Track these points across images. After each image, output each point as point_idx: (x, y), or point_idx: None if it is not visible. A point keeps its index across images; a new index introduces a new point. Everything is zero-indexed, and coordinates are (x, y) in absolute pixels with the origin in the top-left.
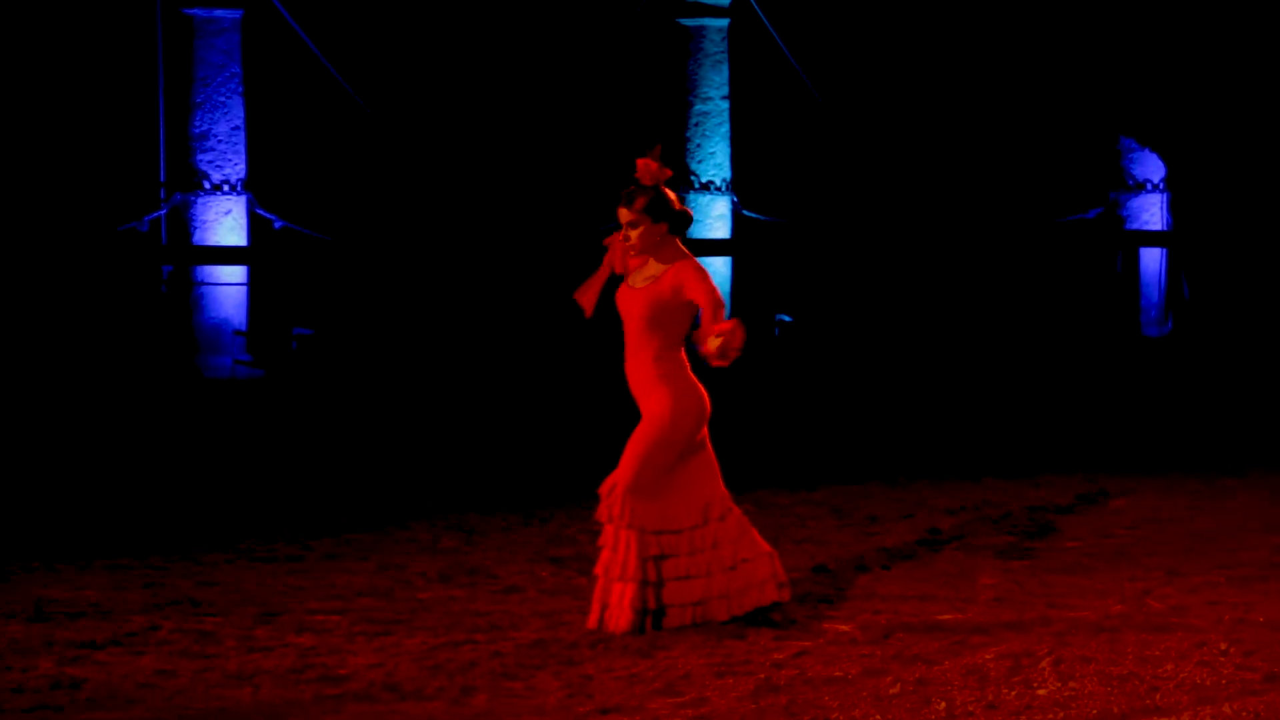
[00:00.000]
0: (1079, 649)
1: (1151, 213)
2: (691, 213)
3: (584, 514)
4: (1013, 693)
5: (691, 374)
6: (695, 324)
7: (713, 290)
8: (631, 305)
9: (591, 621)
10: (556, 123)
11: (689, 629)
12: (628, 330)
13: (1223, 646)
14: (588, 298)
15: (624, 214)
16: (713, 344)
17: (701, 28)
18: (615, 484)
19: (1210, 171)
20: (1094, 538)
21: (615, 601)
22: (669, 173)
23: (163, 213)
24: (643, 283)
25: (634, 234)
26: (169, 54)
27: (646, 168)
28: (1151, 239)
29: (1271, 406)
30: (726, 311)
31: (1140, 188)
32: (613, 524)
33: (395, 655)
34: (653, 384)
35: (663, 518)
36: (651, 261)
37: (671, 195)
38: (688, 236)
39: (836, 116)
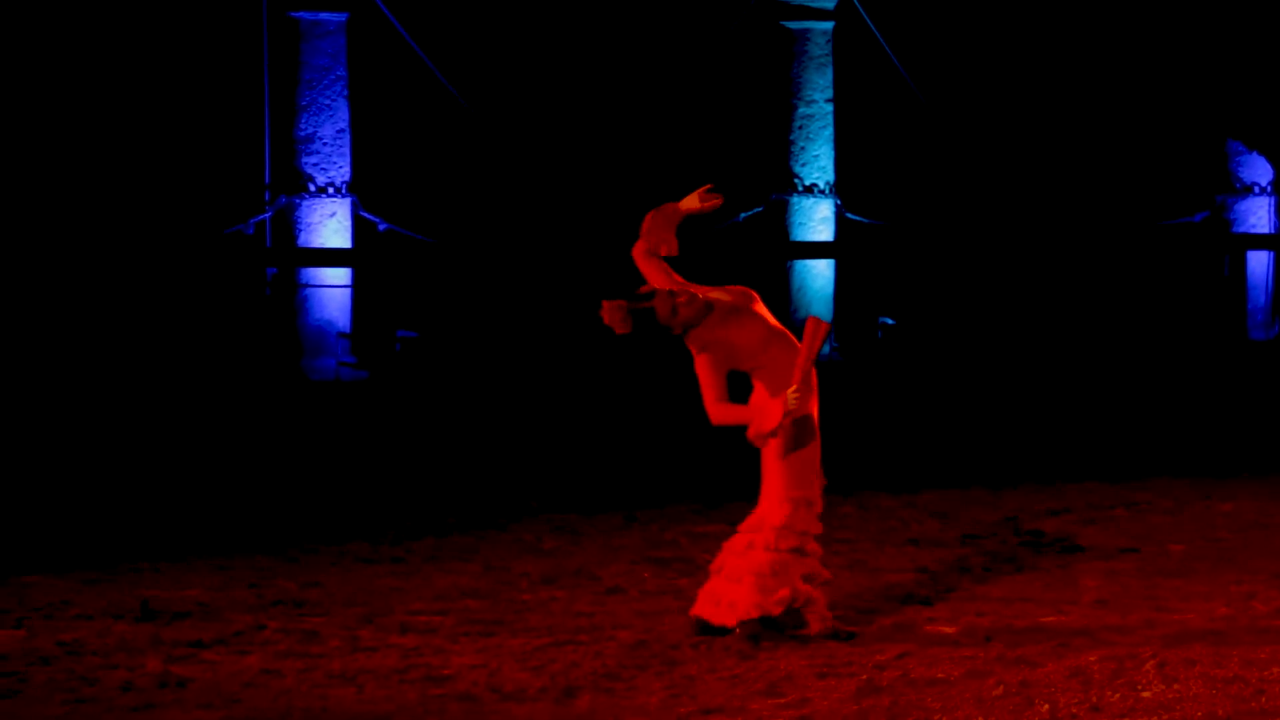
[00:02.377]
0: (1183, 652)
1: (1259, 215)
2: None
3: (685, 516)
4: (1116, 695)
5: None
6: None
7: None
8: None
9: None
10: (660, 125)
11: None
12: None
13: None
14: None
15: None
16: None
17: (806, 31)
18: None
19: None
20: (1199, 540)
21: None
22: (621, 307)
23: (268, 215)
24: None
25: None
26: (274, 57)
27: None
28: (1259, 242)
29: None
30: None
31: (1247, 191)
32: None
33: (498, 656)
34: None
35: None
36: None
37: (649, 302)
38: (791, 240)
39: (940, 119)
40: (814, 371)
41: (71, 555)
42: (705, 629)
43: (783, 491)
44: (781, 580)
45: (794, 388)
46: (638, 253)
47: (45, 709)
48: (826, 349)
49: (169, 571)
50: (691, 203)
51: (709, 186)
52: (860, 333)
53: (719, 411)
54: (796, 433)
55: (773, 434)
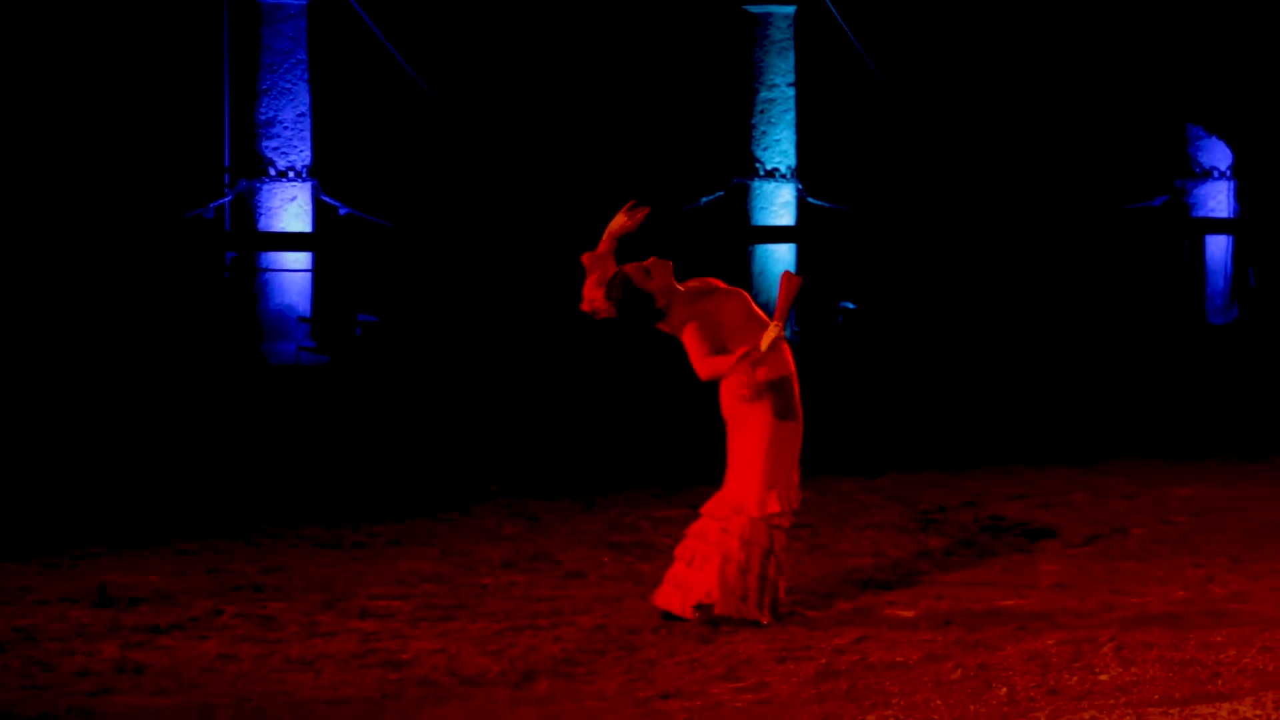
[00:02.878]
0: (1141, 635)
1: (1218, 200)
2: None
3: (645, 501)
4: (1074, 678)
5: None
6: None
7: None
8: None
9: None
10: (622, 109)
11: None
12: None
13: None
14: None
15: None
16: None
17: (768, 14)
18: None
19: (1277, 159)
20: (1157, 524)
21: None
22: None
23: (228, 199)
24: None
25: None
26: (235, 40)
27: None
28: (1217, 226)
29: None
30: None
31: (1207, 175)
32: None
33: (457, 640)
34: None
35: None
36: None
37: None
38: (753, 225)
39: (902, 104)
40: (789, 349)
41: (30, 541)
42: (670, 616)
43: (763, 479)
44: (744, 580)
45: (776, 321)
46: (589, 290)
47: (1, 694)
48: (788, 332)
49: (128, 557)
50: (619, 221)
51: (632, 202)
52: (821, 317)
53: (707, 364)
54: (780, 419)
55: (757, 372)
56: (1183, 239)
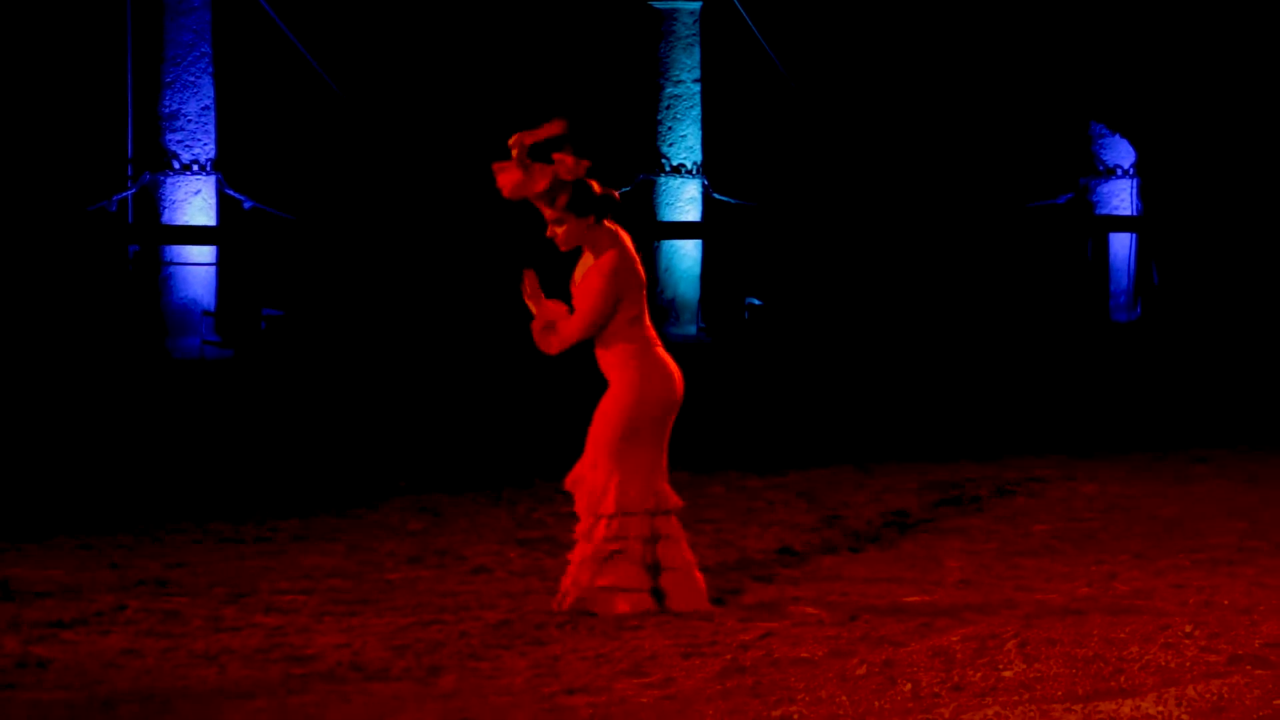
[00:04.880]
0: (1045, 631)
1: (1121, 198)
2: (617, 194)
3: (553, 496)
4: (978, 674)
5: (660, 354)
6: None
7: (590, 298)
8: (576, 299)
9: (556, 604)
10: (527, 104)
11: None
12: None
13: (1187, 629)
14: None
15: (547, 213)
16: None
17: (673, 10)
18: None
19: (1180, 157)
20: (1061, 521)
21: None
22: (587, 163)
23: (131, 192)
24: (580, 277)
25: (560, 231)
26: (138, 33)
27: (563, 162)
28: (1121, 224)
29: (1239, 391)
30: (595, 323)
31: (1110, 173)
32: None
33: (362, 635)
34: (612, 367)
35: (658, 498)
36: (586, 253)
37: (592, 183)
38: (659, 220)
39: (808, 100)
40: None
41: None
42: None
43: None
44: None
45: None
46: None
47: None
48: (693, 329)
49: (30, 552)
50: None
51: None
52: (727, 313)
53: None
54: (655, 428)
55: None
56: (1086, 237)
